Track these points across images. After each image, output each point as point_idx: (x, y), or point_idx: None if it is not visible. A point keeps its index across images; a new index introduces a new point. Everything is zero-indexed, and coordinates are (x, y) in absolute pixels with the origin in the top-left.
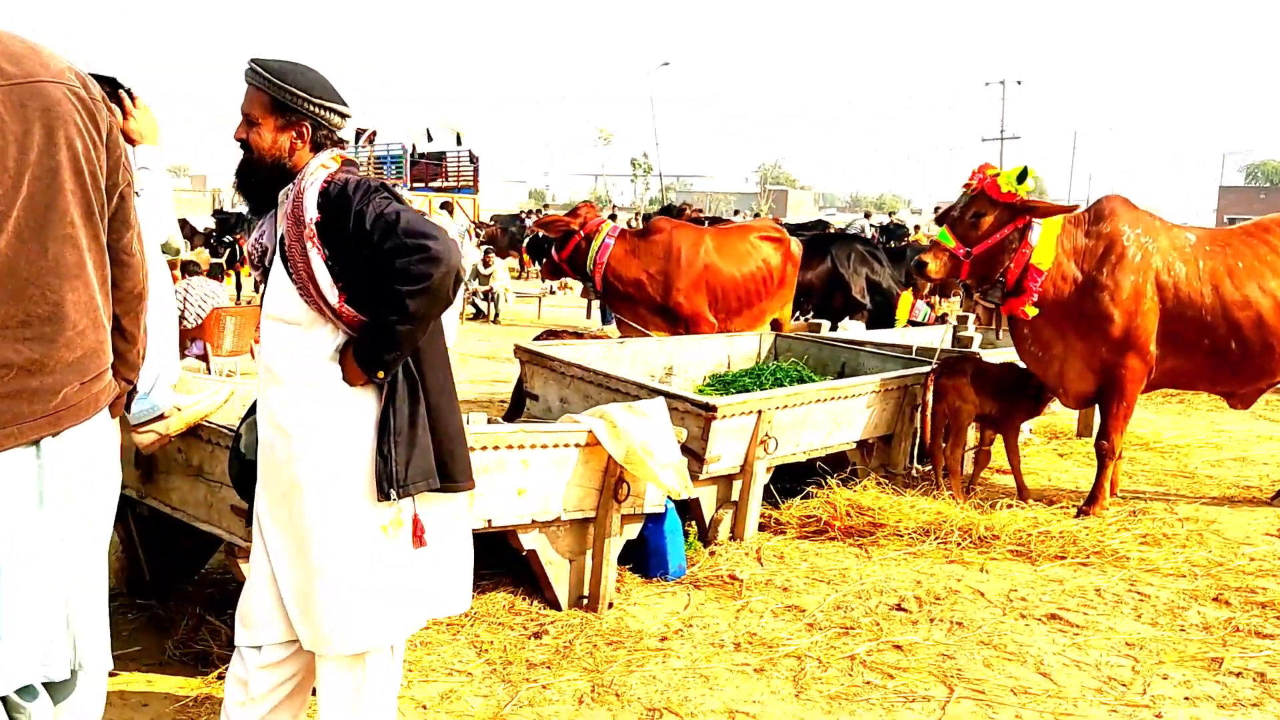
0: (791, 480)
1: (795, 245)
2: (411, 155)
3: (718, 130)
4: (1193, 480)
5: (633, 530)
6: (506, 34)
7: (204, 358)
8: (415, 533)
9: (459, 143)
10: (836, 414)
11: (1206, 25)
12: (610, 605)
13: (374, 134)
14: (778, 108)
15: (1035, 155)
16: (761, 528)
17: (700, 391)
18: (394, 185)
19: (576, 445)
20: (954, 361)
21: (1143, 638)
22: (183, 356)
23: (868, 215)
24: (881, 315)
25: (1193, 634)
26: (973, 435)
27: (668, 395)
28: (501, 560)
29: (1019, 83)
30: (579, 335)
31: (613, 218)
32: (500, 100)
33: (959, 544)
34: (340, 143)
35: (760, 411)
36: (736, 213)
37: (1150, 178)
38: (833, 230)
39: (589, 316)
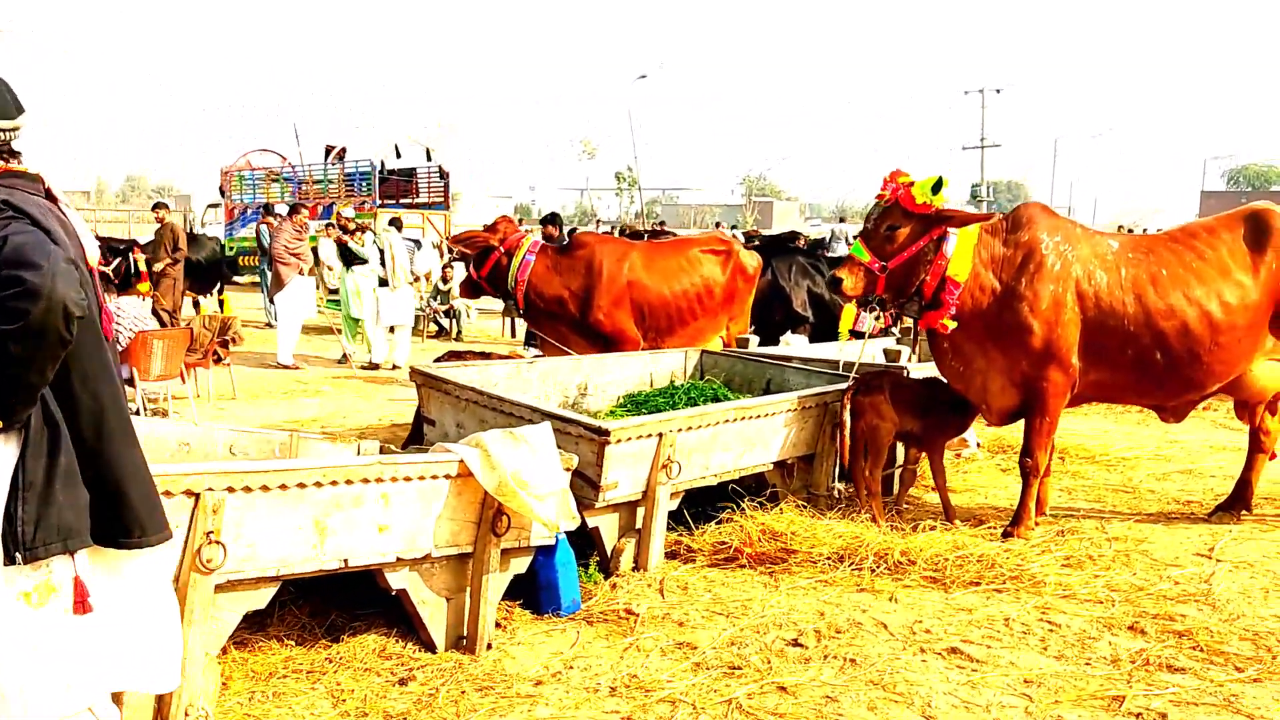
0: (709, 504)
1: (748, 259)
2: (381, 172)
3: (703, 143)
4: (1134, 495)
5: (521, 564)
6: (490, 45)
7: (130, 382)
8: (77, 598)
9: (429, 159)
10: (748, 434)
11: (1190, 31)
12: (489, 646)
13: (344, 150)
14: (761, 119)
15: (1017, 163)
16: (672, 555)
17: (611, 413)
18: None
19: (447, 476)
20: (871, 378)
21: (1044, 673)
22: None
23: (842, 220)
24: (828, 328)
25: (1098, 668)
26: (903, 452)
27: (560, 419)
28: (375, 599)
29: (998, 91)
30: (486, 355)
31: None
32: (484, 113)
33: (873, 570)
34: (13, 154)
35: (661, 434)
36: (718, 224)
37: (1133, 183)
38: (805, 241)
39: (514, 335)
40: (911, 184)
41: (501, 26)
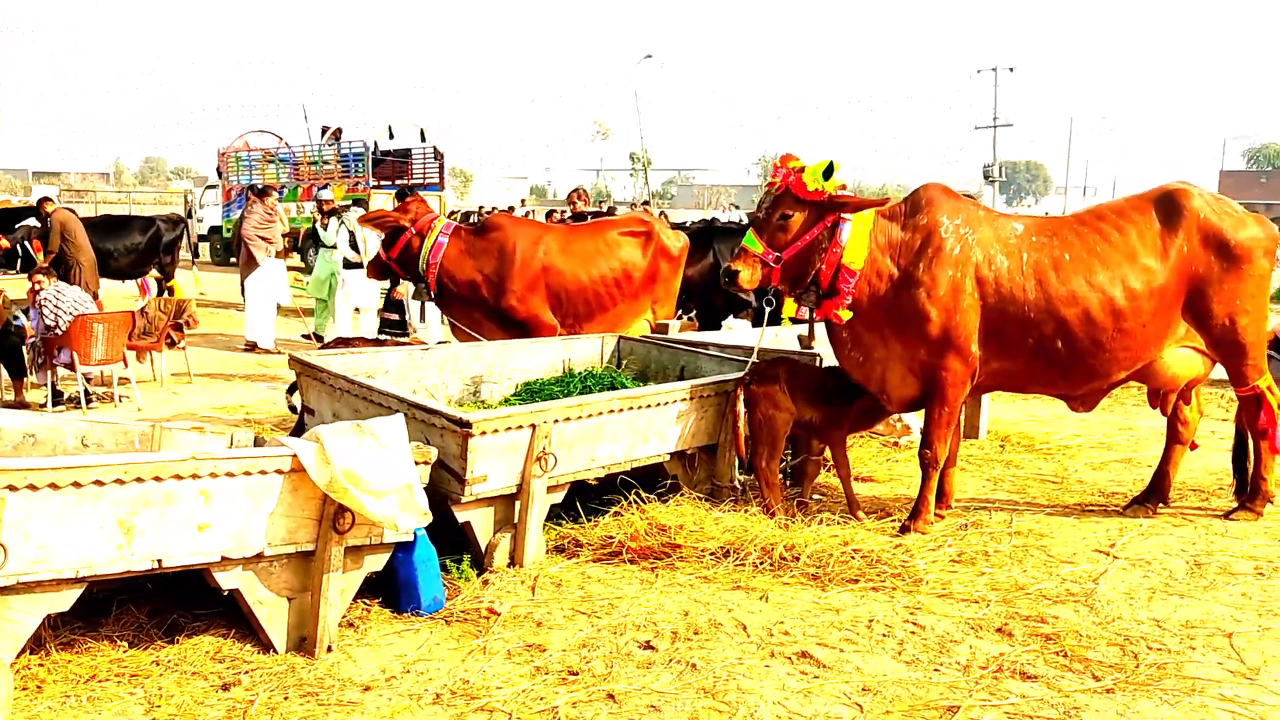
0: (615, 495)
1: (671, 240)
2: (375, 153)
3: (719, 122)
4: (1060, 486)
5: (377, 562)
6: (498, 28)
7: (71, 366)
8: None
9: (423, 139)
10: (639, 425)
11: (1209, 8)
12: (330, 649)
13: (339, 131)
14: (776, 99)
15: (1031, 142)
16: (560, 550)
17: (505, 402)
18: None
19: (279, 471)
20: (765, 366)
21: (886, 680)
22: (51, 366)
23: None
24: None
25: (946, 675)
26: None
27: (424, 409)
28: (221, 597)
29: (1011, 69)
30: (378, 342)
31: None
32: (498, 96)
33: (756, 566)
34: None
35: (535, 425)
36: (736, 207)
37: (1151, 162)
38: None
39: (423, 320)
40: (802, 169)
41: (510, 5)
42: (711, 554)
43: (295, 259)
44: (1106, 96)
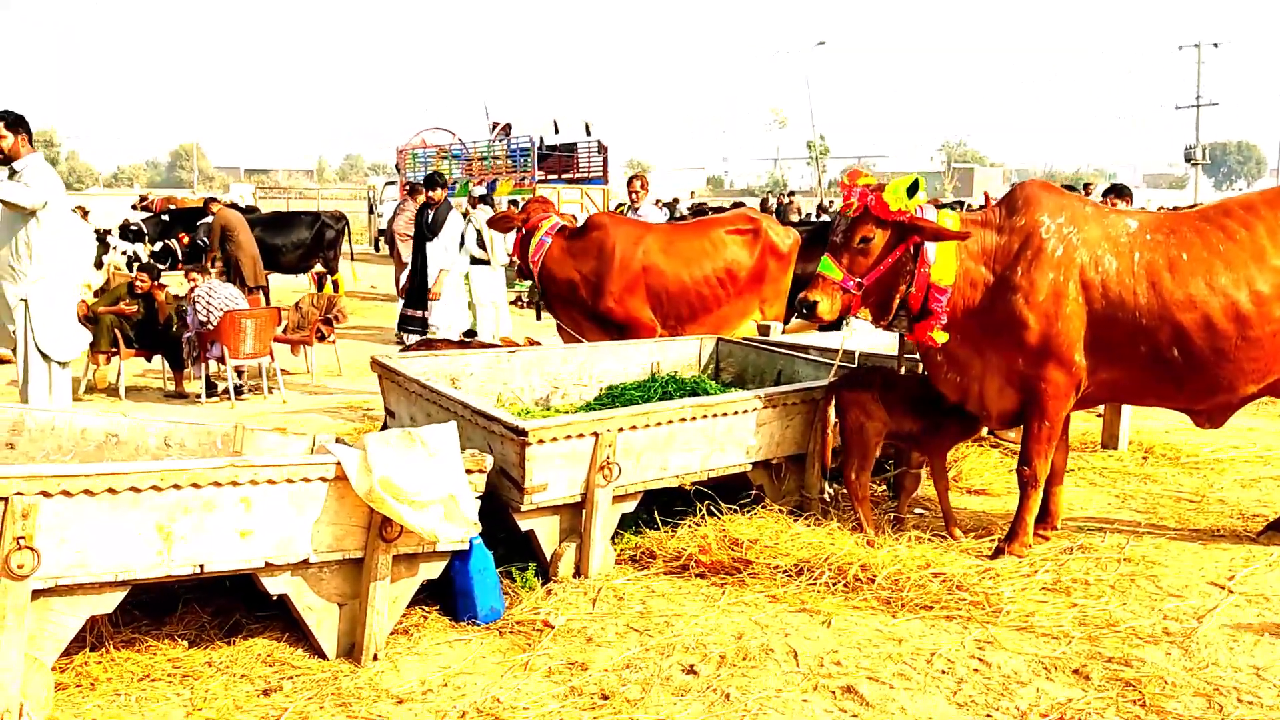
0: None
1: (780, 238)
2: (540, 148)
3: (899, 109)
4: (1196, 505)
5: (433, 570)
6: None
7: (221, 360)
8: None
9: (588, 133)
10: (715, 433)
11: None
12: (376, 657)
13: (509, 126)
14: (960, 82)
15: (1238, 122)
16: (634, 560)
17: (588, 407)
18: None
19: (323, 479)
20: (860, 373)
21: None
22: (204, 359)
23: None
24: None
25: None
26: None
27: (485, 416)
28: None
29: (1216, 45)
30: (464, 344)
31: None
32: (675, 87)
33: (829, 586)
34: None
35: (598, 434)
36: None
37: None
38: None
39: (539, 319)
40: (881, 188)
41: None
42: (784, 571)
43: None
44: None
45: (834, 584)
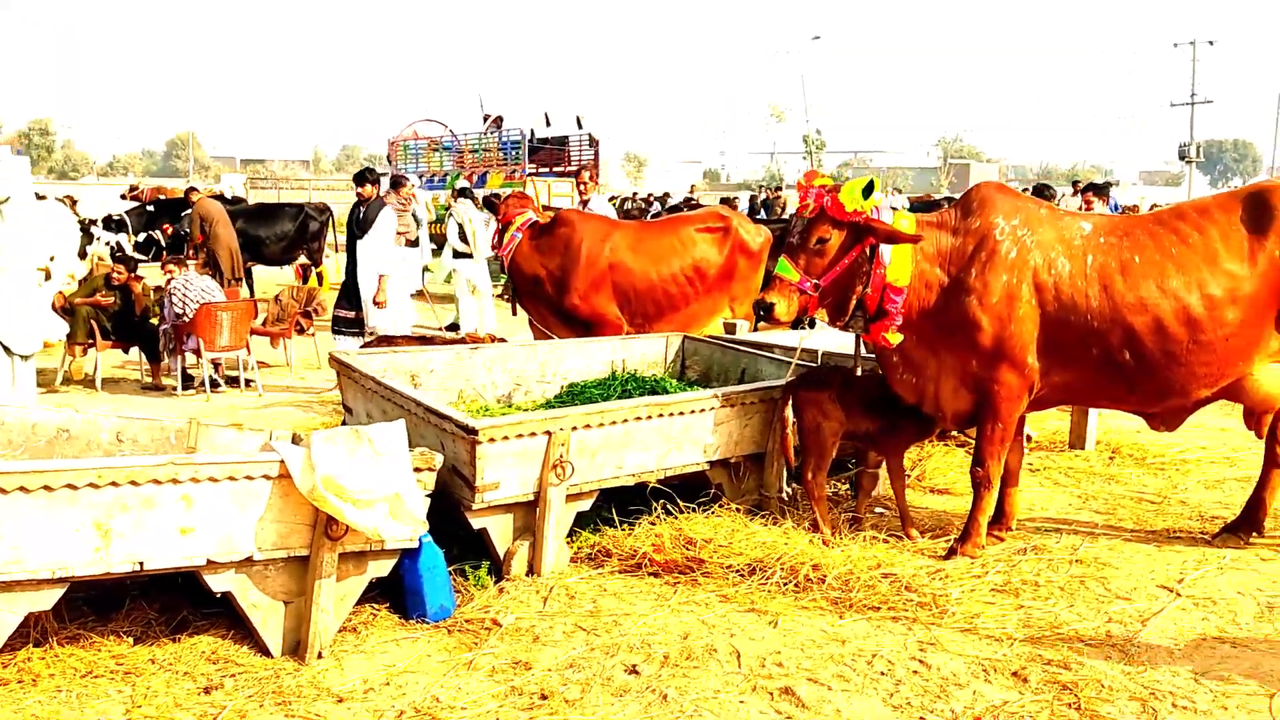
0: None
1: (751, 236)
2: (531, 140)
3: (896, 104)
4: (1157, 507)
5: (382, 567)
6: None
7: (197, 352)
8: None
9: (579, 126)
10: (672, 432)
11: None
12: (320, 655)
13: (500, 119)
14: (956, 78)
15: (1234, 120)
16: (590, 559)
17: (548, 405)
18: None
19: (266, 477)
20: (817, 373)
21: None
22: (180, 352)
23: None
24: None
25: None
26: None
27: (436, 414)
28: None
29: (1211, 43)
30: (426, 340)
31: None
32: (674, 82)
33: (780, 585)
34: None
35: (550, 432)
36: (899, 191)
37: None
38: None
39: (514, 314)
40: (837, 189)
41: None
42: (737, 571)
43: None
44: None
45: (785, 584)
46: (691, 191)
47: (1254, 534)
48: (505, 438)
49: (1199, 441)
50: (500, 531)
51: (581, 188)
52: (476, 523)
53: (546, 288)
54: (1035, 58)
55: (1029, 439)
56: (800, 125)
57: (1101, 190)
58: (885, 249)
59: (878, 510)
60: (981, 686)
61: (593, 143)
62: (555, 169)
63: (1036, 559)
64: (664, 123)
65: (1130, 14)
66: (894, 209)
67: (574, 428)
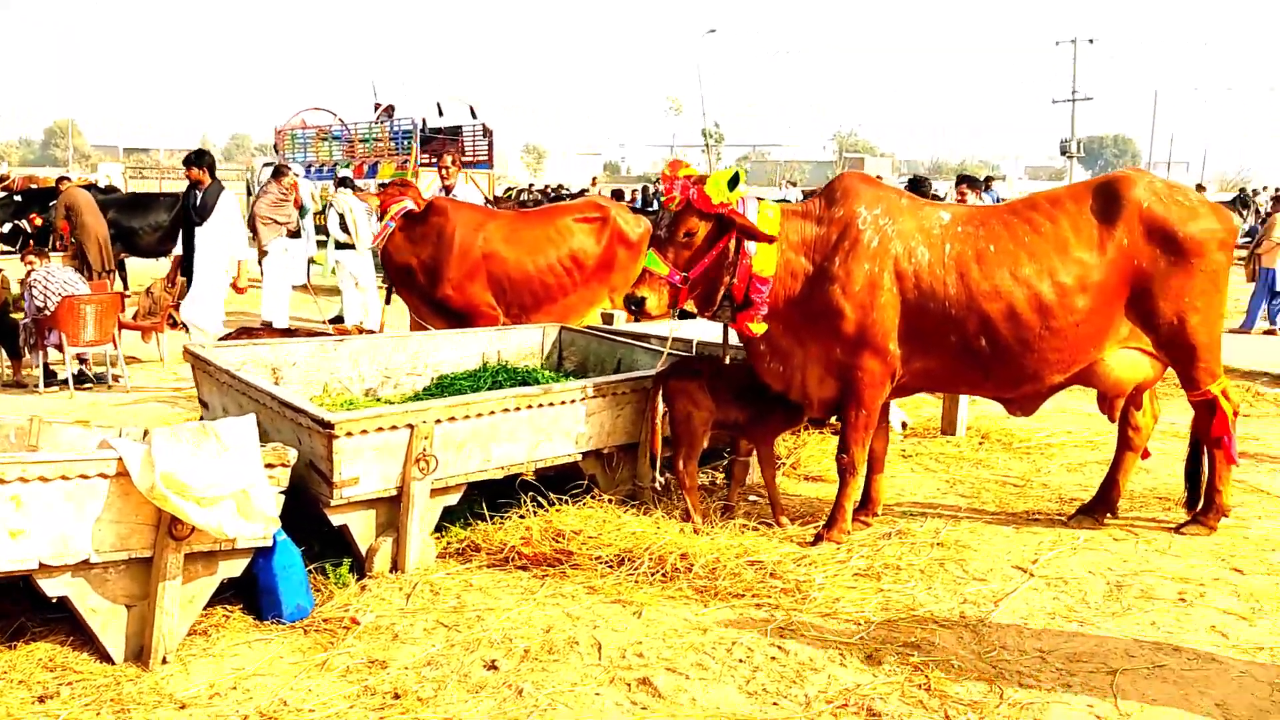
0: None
1: (630, 226)
2: (423, 130)
3: (793, 99)
4: (1020, 490)
5: (234, 567)
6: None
7: (60, 347)
8: None
9: (473, 116)
10: (542, 423)
11: None
12: (165, 660)
13: (391, 108)
14: (850, 74)
15: (1113, 117)
16: (460, 554)
17: (416, 398)
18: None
19: (103, 475)
20: (688, 362)
21: (717, 714)
22: (43, 347)
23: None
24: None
25: (784, 709)
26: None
27: (292, 408)
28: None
29: (1091, 41)
30: (289, 333)
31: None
32: (568, 72)
33: (648, 575)
34: None
35: (413, 425)
36: (794, 184)
37: (1239, 137)
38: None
39: (387, 303)
40: (703, 181)
41: None
42: (606, 562)
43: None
44: (1196, 68)
45: (653, 574)
46: (593, 184)
47: (1108, 514)
48: (364, 431)
49: (1064, 426)
50: (362, 528)
51: (444, 172)
52: (336, 519)
53: (419, 278)
54: (926, 56)
55: (904, 425)
56: (699, 118)
57: (975, 183)
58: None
59: (751, 498)
60: (837, 670)
61: (487, 133)
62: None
63: (900, 543)
64: (564, 114)
65: (1016, 13)
66: (759, 199)
67: (438, 420)
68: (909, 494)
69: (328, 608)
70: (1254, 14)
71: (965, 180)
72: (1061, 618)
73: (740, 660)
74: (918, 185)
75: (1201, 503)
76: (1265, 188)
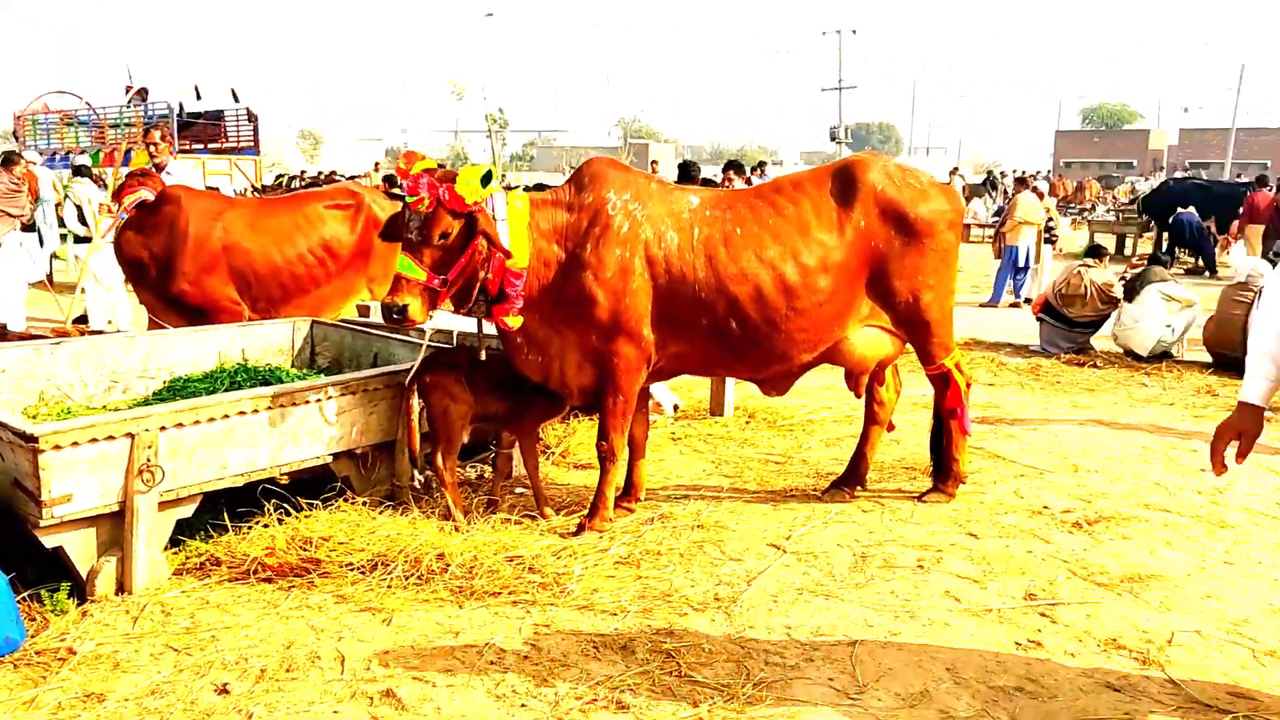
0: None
1: (387, 212)
2: (180, 115)
3: (580, 83)
4: (781, 467)
5: None
6: None
7: None
8: None
9: (235, 100)
10: (285, 425)
11: None
12: None
13: (145, 91)
14: (634, 59)
15: (876, 104)
16: (199, 569)
17: (146, 403)
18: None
19: None
20: (444, 354)
21: None
22: None
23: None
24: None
25: (531, 710)
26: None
27: None
28: None
29: (854, 31)
30: (29, 336)
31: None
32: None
33: (403, 579)
34: None
35: (133, 434)
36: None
37: (992, 125)
38: None
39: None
40: (452, 178)
41: None
42: (357, 568)
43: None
44: (953, 59)
45: (407, 578)
46: (376, 169)
47: (858, 488)
48: (76, 444)
49: (824, 402)
50: (80, 549)
51: (152, 149)
52: (49, 541)
53: (151, 273)
54: (710, 42)
55: (676, 408)
56: (481, 103)
57: (740, 168)
58: (503, 231)
59: (519, 490)
60: (589, 665)
61: (251, 117)
62: (210, 146)
63: (662, 527)
64: (346, 99)
65: (788, 3)
66: (509, 188)
67: (162, 428)
68: (675, 477)
69: (42, 638)
70: (1005, 12)
71: (732, 166)
72: (809, 592)
73: (491, 663)
74: (686, 170)
75: (941, 471)
76: (1016, 170)
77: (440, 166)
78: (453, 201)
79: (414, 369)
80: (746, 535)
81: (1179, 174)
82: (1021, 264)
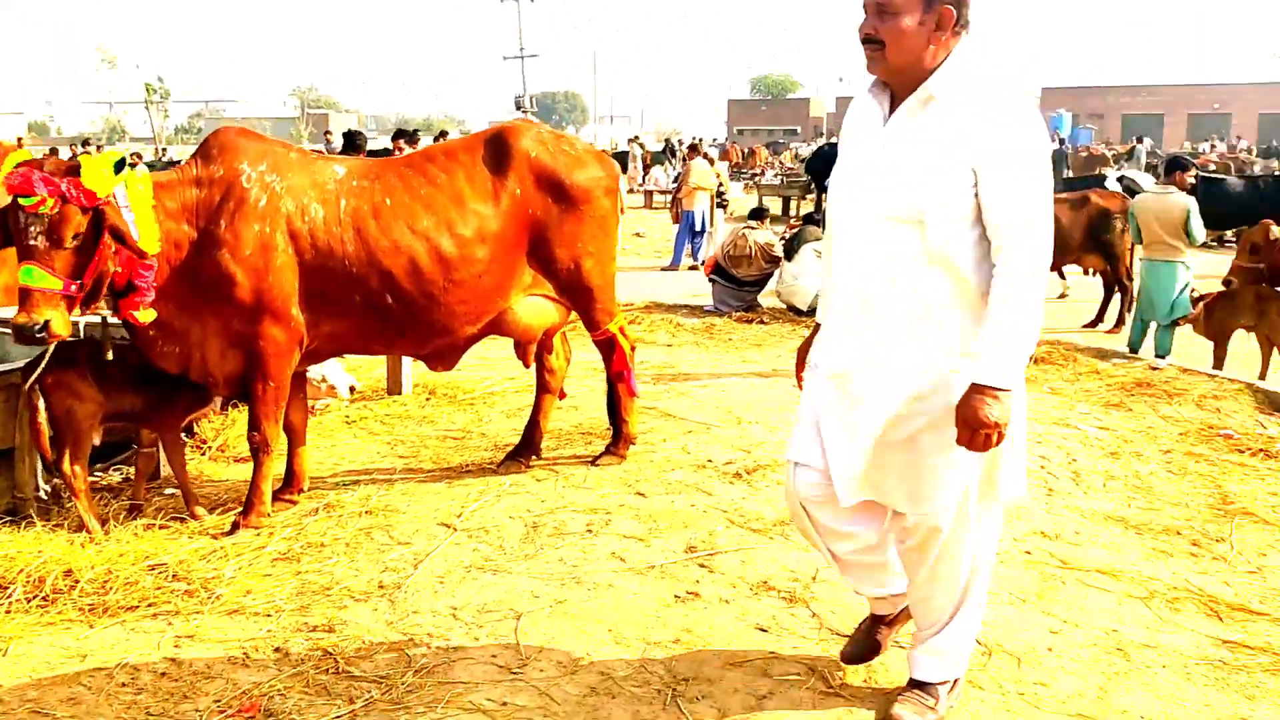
0: None
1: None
2: None
3: (249, 51)
4: (460, 443)
5: None
6: None
7: None
8: None
9: None
10: None
11: None
12: None
13: None
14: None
15: (558, 74)
16: None
17: None
18: None
19: None
20: (64, 349)
21: None
22: None
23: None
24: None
25: None
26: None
27: None
28: None
29: (532, 1)
30: None
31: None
32: None
33: (25, 602)
34: None
35: None
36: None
37: (671, 94)
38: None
39: None
40: (76, 172)
41: None
42: None
43: None
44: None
45: (29, 600)
46: (19, 144)
47: (533, 457)
48: None
49: (506, 374)
50: None
51: None
52: None
53: None
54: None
55: (351, 390)
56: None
57: (411, 136)
58: (129, 220)
59: (167, 492)
60: (237, 673)
61: None
62: None
63: (327, 517)
64: None
65: None
66: (132, 165)
67: None
68: (347, 462)
69: None
70: None
71: (402, 135)
72: (477, 569)
73: (123, 685)
74: (351, 139)
75: (613, 434)
76: (694, 138)
77: (35, 158)
78: (85, 198)
79: (40, 368)
80: (417, 517)
81: (834, 139)
82: (698, 228)
